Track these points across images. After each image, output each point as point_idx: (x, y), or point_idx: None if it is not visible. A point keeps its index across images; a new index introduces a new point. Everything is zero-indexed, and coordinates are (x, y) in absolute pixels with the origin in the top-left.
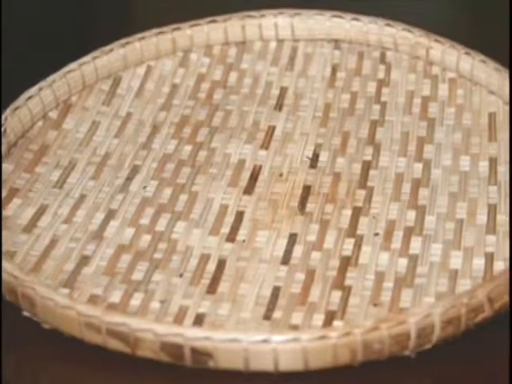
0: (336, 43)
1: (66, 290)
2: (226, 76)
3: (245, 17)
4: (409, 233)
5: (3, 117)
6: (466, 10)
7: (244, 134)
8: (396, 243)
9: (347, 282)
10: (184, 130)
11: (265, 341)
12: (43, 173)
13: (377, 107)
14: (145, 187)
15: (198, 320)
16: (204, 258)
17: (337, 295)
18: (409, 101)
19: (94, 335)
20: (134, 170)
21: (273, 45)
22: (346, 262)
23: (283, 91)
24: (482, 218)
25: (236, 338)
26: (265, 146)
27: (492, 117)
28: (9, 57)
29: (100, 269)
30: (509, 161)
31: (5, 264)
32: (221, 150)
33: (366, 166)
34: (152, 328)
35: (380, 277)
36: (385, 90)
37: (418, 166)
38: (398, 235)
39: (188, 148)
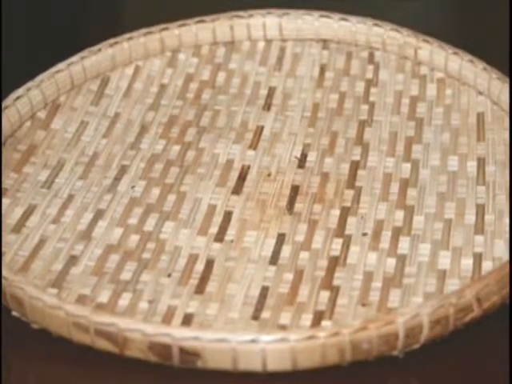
0: (324, 43)
1: (55, 290)
2: (215, 76)
3: (233, 17)
4: (397, 233)
5: None
6: (454, 10)
7: (232, 133)
8: (384, 243)
9: (335, 282)
10: (172, 129)
11: (253, 341)
12: (31, 173)
13: (365, 107)
14: (133, 187)
15: (187, 320)
16: (192, 258)
17: (325, 295)
18: (397, 101)
19: (83, 335)
20: (122, 170)
21: (261, 45)
22: (334, 262)
23: (271, 91)
24: (470, 218)
25: (224, 338)
26: (253, 145)
27: (480, 117)
28: None
29: (88, 269)
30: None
31: None
32: (209, 150)
33: (355, 166)
34: (140, 328)
35: (368, 277)
36: (373, 90)
37: (407, 166)
38: (387, 235)
39: (176, 148)
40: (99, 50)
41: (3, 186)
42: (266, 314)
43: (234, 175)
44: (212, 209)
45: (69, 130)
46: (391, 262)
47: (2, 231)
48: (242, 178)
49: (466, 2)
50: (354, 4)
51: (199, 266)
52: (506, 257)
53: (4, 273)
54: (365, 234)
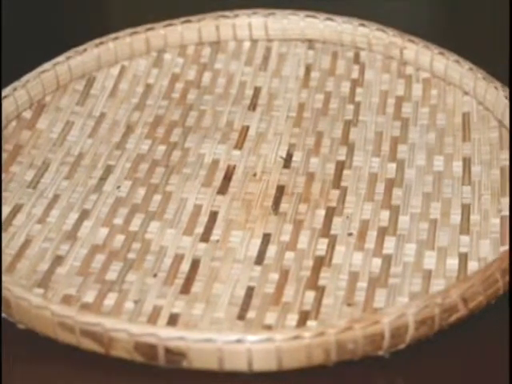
0: (310, 43)
1: (40, 290)
2: (200, 76)
3: (219, 17)
4: (382, 233)
5: None
6: (439, 10)
7: (218, 133)
8: (370, 243)
9: (321, 282)
10: (158, 129)
11: (239, 341)
12: (17, 173)
13: (350, 107)
14: (118, 187)
15: (172, 320)
16: (178, 258)
17: (310, 295)
18: (383, 101)
19: (68, 335)
20: (108, 170)
21: (247, 45)
22: (319, 262)
23: (257, 91)
24: (455, 217)
25: (210, 337)
26: (238, 145)
27: (466, 117)
28: None
29: (74, 269)
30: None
31: None
32: (195, 150)
33: (340, 166)
34: (126, 328)
35: (354, 277)
36: (359, 90)
37: (392, 166)
38: (372, 235)
39: (162, 148)
40: (85, 50)
41: None
42: (251, 314)
43: (219, 175)
44: (198, 209)
45: (54, 129)
46: (377, 261)
47: None
48: (228, 178)
49: (452, 1)
50: (340, 4)
51: (185, 266)
52: (492, 257)
53: None
54: (350, 234)
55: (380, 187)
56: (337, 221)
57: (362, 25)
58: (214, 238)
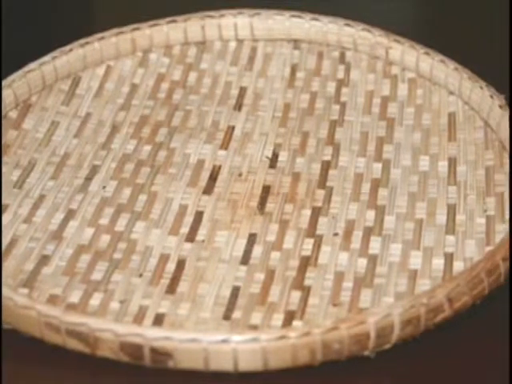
0: (295, 43)
1: (26, 290)
2: (186, 76)
3: (204, 17)
4: (368, 233)
5: None
6: (425, 10)
7: (203, 134)
8: (355, 243)
9: (307, 282)
10: (143, 130)
11: (224, 341)
12: (3, 173)
13: (336, 107)
14: (104, 187)
15: (158, 320)
16: (163, 258)
17: (296, 295)
18: (368, 101)
19: (54, 335)
20: (94, 170)
21: (232, 45)
22: (305, 262)
23: (243, 91)
24: (441, 218)
25: (195, 338)
26: (224, 146)
27: (451, 117)
28: None
29: (59, 269)
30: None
31: None
32: (180, 150)
33: (326, 166)
34: (111, 328)
35: (339, 277)
36: (344, 90)
37: (378, 166)
38: (358, 235)
39: (147, 148)
40: (70, 50)
41: None
42: (237, 314)
43: (205, 175)
44: (183, 209)
45: (40, 129)
46: (362, 262)
47: None
48: (213, 178)
49: (438, 1)
50: (325, 4)
51: (170, 266)
52: (477, 257)
53: None
54: (336, 234)
55: (366, 187)
56: (322, 221)
57: (348, 25)
58: (199, 238)
